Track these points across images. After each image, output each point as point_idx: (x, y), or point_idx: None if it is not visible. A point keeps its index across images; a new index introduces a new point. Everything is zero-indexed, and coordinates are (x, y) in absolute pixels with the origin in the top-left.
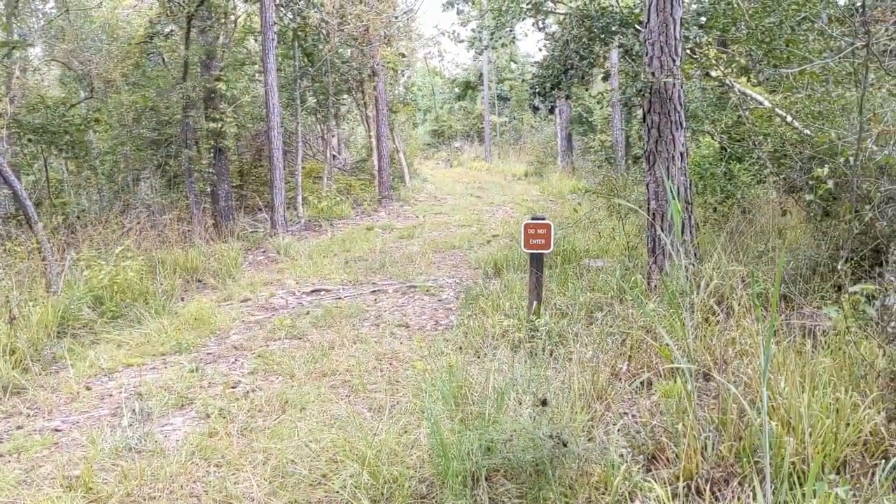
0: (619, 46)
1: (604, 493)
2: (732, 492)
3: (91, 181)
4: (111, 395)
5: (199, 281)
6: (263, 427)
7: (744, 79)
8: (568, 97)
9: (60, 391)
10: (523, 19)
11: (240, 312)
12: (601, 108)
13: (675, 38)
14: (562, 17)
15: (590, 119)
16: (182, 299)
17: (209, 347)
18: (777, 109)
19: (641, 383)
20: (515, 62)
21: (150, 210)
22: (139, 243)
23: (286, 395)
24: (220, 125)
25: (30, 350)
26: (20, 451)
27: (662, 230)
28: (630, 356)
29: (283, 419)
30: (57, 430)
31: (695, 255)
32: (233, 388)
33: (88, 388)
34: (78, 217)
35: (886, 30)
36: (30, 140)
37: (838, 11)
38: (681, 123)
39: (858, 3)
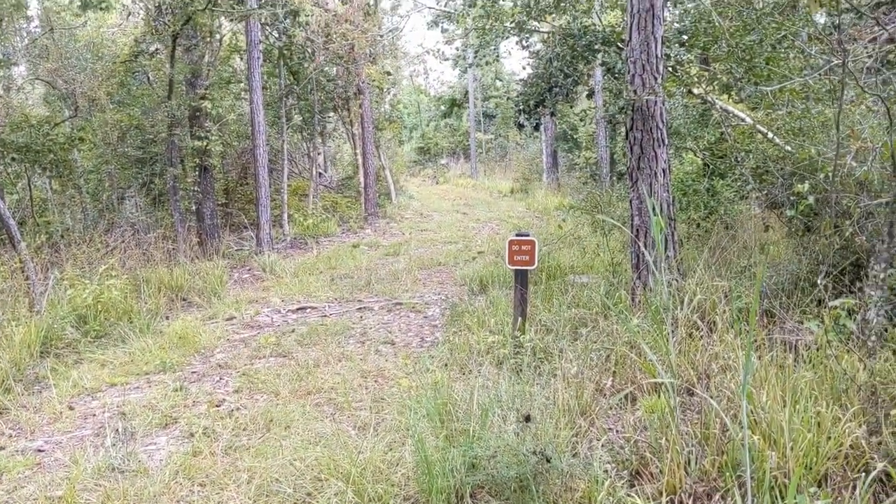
0: (602, 64)
1: None
2: None
3: (75, 200)
4: (94, 415)
5: (184, 299)
6: (248, 446)
7: (725, 96)
8: (553, 114)
9: (43, 411)
10: (507, 38)
11: (225, 331)
12: (584, 126)
13: (657, 56)
14: (546, 36)
15: (575, 136)
16: (167, 318)
17: (194, 366)
18: (758, 126)
19: (626, 397)
20: (501, 80)
21: (134, 229)
22: (124, 262)
23: (271, 413)
24: (205, 143)
25: (12, 370)
26: (2, 472)
27: (646, 246)
28: (615, 372)
29: (267, 438)
30: (39, 451)
31: (678, 270)
32: (217, 406)
33: (71, 408)
34: (62, 236)
35: (865, 48)
36: (13, 159)
37: (817, 30)
38: (663, 140)
39: (836, 22)
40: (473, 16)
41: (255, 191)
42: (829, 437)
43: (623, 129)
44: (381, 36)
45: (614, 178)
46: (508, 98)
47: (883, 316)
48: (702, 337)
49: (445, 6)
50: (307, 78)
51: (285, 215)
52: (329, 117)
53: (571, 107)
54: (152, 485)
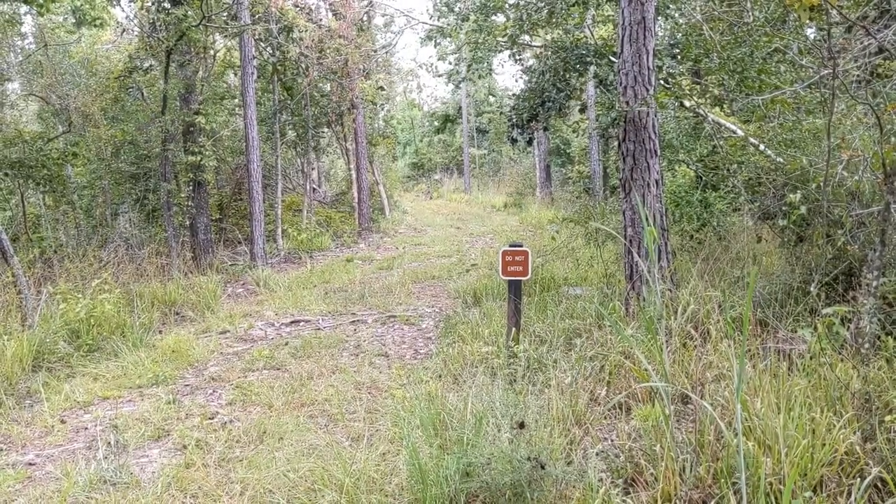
0: (595, 77)
1: None
2: None
3: (69, 216)
4: (86, 428)
5: (178, 314)
6: (241, 457)
7: (717, 109)
8: (546, 129)
9: (35, 425)
10: (500, 52)
11: (218, 344)
12: (577, 138)
13: (649, 69)
14: (538, 51)
15: (568, 151)
16: (160, 332)
17: (187, 379)
18: (750, 138)
19: (620, 407)
20: (493, 95)
21: (128, 244)
22: (117, 277)
23: (264, 425)
24: (199, 158)
25: (3, 384)
26: None
27: (639, 257)
28: (609, 382)
29: (260, 449)
30: (31, 464)
31: (672, 280)
32: (210, 419)
33: (63, 422)
34: (55, 251)
35: (854, 59)
36: (6, 175)
37: (807, 42)
38: (655, 151)
39: (826, 34)
40: (466, 30)
41: (249, 206)
42: (824, 444)
43: (616, 143)
44: (375, 51)
45: (607, 192)
46: (501, 113)
47: (876, 324)
48: (696, 346)
49: (438, 21)
50: (301, 93)
51: (279, 230)
52: (323, 132)
53: (564, 121)
54: (144, 497)
